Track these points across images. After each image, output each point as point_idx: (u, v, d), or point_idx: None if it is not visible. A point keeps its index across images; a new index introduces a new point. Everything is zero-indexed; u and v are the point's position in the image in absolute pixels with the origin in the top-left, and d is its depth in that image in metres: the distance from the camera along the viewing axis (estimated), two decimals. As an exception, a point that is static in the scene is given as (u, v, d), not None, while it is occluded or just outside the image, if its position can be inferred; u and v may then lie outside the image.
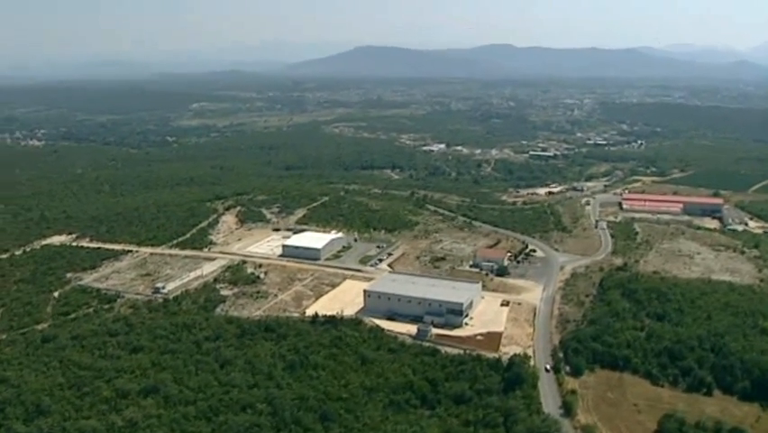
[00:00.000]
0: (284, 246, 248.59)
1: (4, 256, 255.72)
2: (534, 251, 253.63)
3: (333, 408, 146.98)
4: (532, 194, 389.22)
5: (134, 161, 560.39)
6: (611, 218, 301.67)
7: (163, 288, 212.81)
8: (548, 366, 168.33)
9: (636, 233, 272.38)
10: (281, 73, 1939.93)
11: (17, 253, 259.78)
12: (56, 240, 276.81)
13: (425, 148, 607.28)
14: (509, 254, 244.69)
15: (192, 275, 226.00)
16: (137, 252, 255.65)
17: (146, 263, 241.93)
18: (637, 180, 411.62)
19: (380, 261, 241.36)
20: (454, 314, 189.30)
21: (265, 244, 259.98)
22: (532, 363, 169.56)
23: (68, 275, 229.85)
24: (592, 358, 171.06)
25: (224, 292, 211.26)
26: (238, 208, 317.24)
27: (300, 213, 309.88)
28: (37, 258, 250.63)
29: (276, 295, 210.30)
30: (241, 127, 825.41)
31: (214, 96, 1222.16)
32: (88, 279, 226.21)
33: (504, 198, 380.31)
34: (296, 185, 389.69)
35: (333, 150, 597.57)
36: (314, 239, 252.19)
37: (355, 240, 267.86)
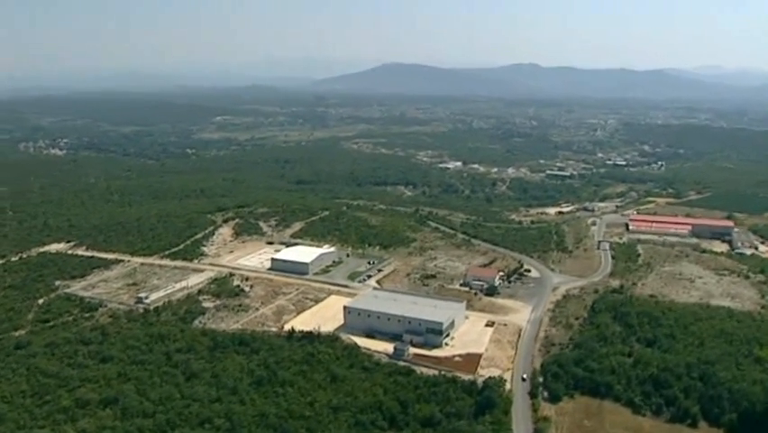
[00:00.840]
0: (273, 260, 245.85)
1: (1, 262, 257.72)
2: (529, 271, 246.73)
3: (294, 426, 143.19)
4: (541, 213, 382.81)
5: (149, 171, 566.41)
6: (616, 239, 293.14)
7: (146, 298, 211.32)
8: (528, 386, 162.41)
9: (638, 255, 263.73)
10: (307, 89, 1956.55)
11: (13, 259, 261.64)
12: (53, 248, 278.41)
13: (440, 165, 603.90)
14: (501, 274, 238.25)
15: (177, 286, 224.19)
16: (128, 261, 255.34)
17: (135, 273, 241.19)
18: (651, 201, 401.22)
19: (369, 277, 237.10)
20: (434, 333, 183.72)
21: (256, 257, 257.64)
22: (508, 386, 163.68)
23: (57, 283, 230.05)
24: (573, 384, 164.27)
25: (205, 304, 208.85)
26: (236, 221, 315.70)
27: (297, 227, 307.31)
28: (31, 265, 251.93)
29: (257, 309, 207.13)
30: (261, 141, 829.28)
31: (238, 110, 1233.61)
32: (75, 287, 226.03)
33: (513, 216, 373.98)
34: (299, 199, 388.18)
35: (348, 165, 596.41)
36: (303, 253, 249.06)
37: (347, 255, 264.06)
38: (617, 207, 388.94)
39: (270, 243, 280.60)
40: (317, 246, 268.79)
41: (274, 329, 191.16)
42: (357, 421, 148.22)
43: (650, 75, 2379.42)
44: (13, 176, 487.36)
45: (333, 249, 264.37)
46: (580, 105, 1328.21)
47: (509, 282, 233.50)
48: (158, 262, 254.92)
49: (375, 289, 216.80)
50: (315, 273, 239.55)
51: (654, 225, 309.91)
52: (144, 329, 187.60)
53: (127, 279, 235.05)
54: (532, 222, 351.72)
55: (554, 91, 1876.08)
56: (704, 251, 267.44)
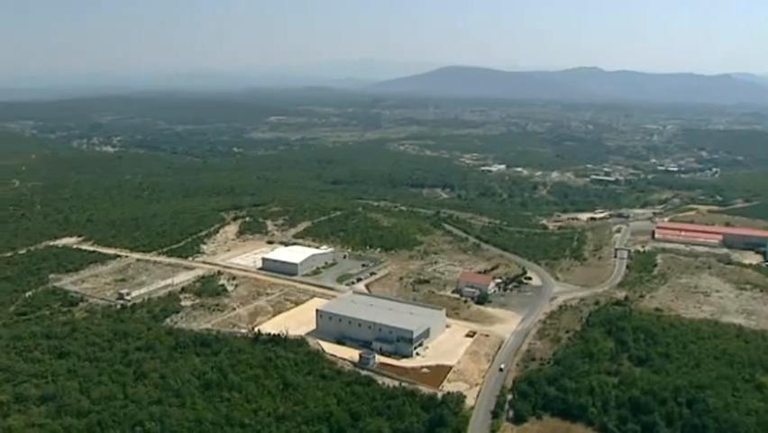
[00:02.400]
0: (264, 259, 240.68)
1: (9, 254, 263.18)
2: (530, 278, 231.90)
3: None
4: (573, 219, 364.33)
5: (189, 169, 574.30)
6: (638, 247, 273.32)
7: (127, 294, 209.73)
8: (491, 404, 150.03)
9: (655, 264, 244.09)
10: (365, 91, 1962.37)
11: (21, 251, 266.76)
12: (63, 242, 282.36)
13: (483, 168, 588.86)
14: (499, 281, 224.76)
15: (162, 283, 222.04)
16: (126, 257, 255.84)
17: (127, 269, 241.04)
18: (692, 209, 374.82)
19: (359, 280, 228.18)
20: (404, 342, 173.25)
21: (251, 256, 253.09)
22: (471, 403, 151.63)
23: (51, 276, 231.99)
24: (542, 404, 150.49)
25: (184, 303, 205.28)
26: (244, 219, 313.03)
27: (303, 226, 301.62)
28: (34, 258, 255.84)
29: (234, 309, 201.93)
30: (310, 141, 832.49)
31: (293, 110, 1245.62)
32: (65, 281, 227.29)
33: (543, 221, 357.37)
34: (320, 199, 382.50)
35: (388, 167, 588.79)
36: (294, 254, 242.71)
37: (344, 257, 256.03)
38: (653, 213, 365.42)
39: (271, 242, 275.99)
40: (315, 247, 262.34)
41: (243, 331, 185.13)
42: (300, 432, 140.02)
43: (718, 80, 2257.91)
44: (56, 171, 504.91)
45: (330, 250, 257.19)
46: (641, 109, 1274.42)
47: (505, 290, 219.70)
48: (154, 258, 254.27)
49: (355, 293, 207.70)
50: (305, 274, 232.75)
51: (683, 233, 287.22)
52: (113, 326, 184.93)
53: (118, 274, 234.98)
54: (559, 228, 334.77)
55: (616, 95, 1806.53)
56: (730, 262, 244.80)
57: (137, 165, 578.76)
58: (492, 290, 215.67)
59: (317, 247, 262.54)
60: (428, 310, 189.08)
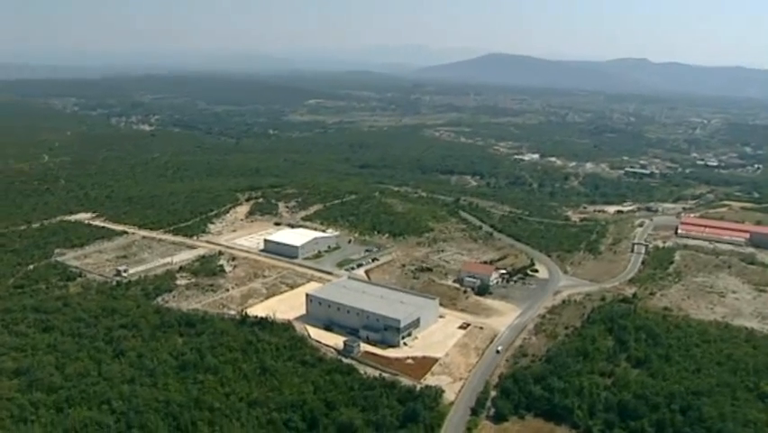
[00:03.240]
0: (265, 241, 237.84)
1: (23, 227, 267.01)
2: (536, 270, 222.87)
3: (195, 417, 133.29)
4: (599, 211, 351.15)
5: (219, 149, 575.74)
6: (658, 243, 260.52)
7: (124, 271, 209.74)
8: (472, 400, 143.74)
9: (672, 261, 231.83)
10: (408, 76, 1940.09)
11: (35, 225, 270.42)
12: (77, 217, 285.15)
13: (516, 157, 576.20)
14: (503, 272, 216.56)
15: (161, 262, 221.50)
16: (133, 234, 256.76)
17: (131, 246, 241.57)
18: (725, 205, 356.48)
19: (359, 266, 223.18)
20: (392, 331, 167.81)
21: (256, 238, 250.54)
22: (451, 397, 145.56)
23: (56, 250, 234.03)
24: (526, 403, 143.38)
25: (179, 282, 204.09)
26: (257, 200, 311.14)
27: (314, 209, 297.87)
28: (45, 232, 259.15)
29: (228, 290, 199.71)
30: (347, 125, 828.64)
31: (333, 93, 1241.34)
32: (68, 256, 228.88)
33: (568, 213, 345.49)
34: (339, 182, 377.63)
35: (419, 152, 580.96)
36: (296, 236, 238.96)
37: (349, 242, 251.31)
38: (683, 208, 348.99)
39: (278, 224, 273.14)
40: (321, 230, 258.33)
41: (232, 312, 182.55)
42: (270, 420, 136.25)
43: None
44: (87, 148, 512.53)
45: (334, 234, 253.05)
46: (687, 102, 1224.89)
47: (507, 282, 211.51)
48: (159, 236, 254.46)
49: (350, 278, 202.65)
50: (306, 258, 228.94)
51: (707, 229, 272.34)
52: (103, 302, 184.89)
53: (121, 251, 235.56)
54: (582, 220, 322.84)
55: (662, 87, 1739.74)
56: (753, 262, 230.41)
57: (168, 144, 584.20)
58: (494, 281, 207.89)
59: (323, 231, 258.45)
60: (420, 299, 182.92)
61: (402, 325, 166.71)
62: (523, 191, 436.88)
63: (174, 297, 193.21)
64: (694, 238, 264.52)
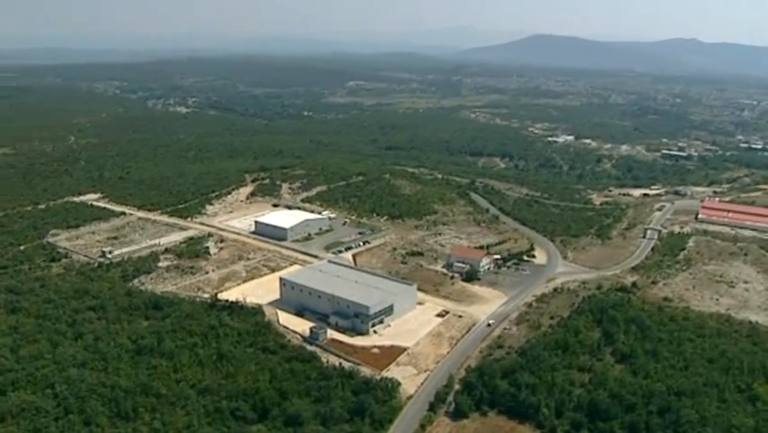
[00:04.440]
0: (256, 223, 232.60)
1: (28, 208, 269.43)
2: (533, 256, 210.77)
3: (138, 403, 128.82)
4: (624, 194, 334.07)
5: (247, 131, 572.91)
6: (676, 228, 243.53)
7: (110, 252, 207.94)
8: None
9: (683, 248, 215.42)
10: (453, 58, 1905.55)
11: (41, 206, 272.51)
12: (83, 198, 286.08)
13: (550, 139, 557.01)
14: (497, 257, 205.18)
15: (149, 243, 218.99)
16: (131, 215, 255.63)
17: (125, 227, 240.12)
18: (761, 189, 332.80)
19: (348, 249, 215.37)
20: (361, 318, 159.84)
21: (250, 219, 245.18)
22: (412, 390, 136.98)
23: (52, 231, 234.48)
24: (490, 399, 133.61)
25: (161, 264, 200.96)
26: (263, 181, 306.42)
27: (316, 190, 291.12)
28: (47, 213, 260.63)
29: (207, 272, 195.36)
30: (384, 107, 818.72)
31: (374, 75, 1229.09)
32: (62, 236, 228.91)
33: (593, 196, 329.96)
34: (353, 164, 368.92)
35: (450, 134, 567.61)
36: (287, 218, 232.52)
37: (344, 224, 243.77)
38: (713, 192, 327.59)
39: (276, 205, 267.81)
40: (318, 212, 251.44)
41: (206, 295, 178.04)
42: (217, 408, 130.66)
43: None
44: (116, 129, 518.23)
45: (331, 215, 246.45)
46: (738, 83, 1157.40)
47: (499, 268, 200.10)
48: (156, 217, 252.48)
49: (330, 262, 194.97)
50: (295, 240, 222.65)
51: (731, 214, 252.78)
52: (79, 284, 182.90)
53: (113, 232, 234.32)
54: (603, 203, 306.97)
55: (713, 69, 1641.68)
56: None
57: (198, 126, 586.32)
58: (485, 267, 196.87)
59: (320, 213, 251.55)
60: (397, 285, 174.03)
61: (371, 312, 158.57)
62: (551, 174, 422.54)
63: (152, 279, 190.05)
64: (715, 224, 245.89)
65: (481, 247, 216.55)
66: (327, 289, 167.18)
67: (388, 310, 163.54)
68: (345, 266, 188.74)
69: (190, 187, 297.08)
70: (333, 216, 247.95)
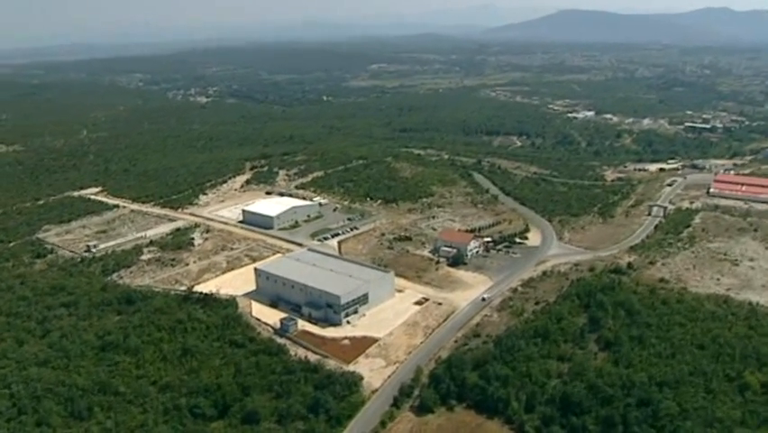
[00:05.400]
0: (243, 212, 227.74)
1: (27, 204, 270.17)
2: (526, 238, 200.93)
3: (95, 402, 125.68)
4: (640, 169, 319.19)
5: (260, 118, 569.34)
6: (685, 204, 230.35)
7: (94, 247, 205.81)
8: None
9: (688, 225, 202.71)
10: (476, 37, 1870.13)
11: (40, 201, 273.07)
12: (82, 192, 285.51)
13: (570, 115, 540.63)
14: (488, 240, 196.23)
15: (135, 236, 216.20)
16: (124, 207, 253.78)
17: (115, 220, 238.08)
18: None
19: (334, 236, 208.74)
20: (333, 308, 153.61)
21: (240, 208, 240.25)
22: (377, 384, 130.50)
23: (44, 227, 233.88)
24: (458, 393, 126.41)
25: (144, 257, 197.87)
26: (261, 168, 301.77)
27: (312, 176, 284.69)
28: (44, 208, 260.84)
29: (188, 264, 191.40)
30: (405, 89, 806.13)
31: (396, 57, 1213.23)
32: (52, 232, 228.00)
33: (608, 172, 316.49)
34: (358, 148, 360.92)
35: (467, 114, 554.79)
36: (274, 206, 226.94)
37: (334, 210, 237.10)
38: (733, 165, 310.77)
39: (269, 193, 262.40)
40: (309, 199, 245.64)
41: (182, 288, 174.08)
42: (176, 406, 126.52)
43: None
44: (130, 122, 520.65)
45: (323, 201, 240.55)
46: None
47: (488, 251, 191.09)
48: (148, 209, 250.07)
49: (310, 250, 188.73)
50: (282, 228, 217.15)
51: (744, 188, 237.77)
52: (57, 279, 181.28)
53: (103, 226, 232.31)
54: (615, 180, 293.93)
55: (745, 38, 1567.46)
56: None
57: (214, 115, 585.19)
58: (473, 251, 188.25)
59: (311, 199, 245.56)
60: (373, 273, 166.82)
61: (343, 301, 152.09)
62: (567, 150, 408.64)
63: (131, 272, 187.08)
64: (727, 198, 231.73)
65: (473, 230, 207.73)
66: (300, 278, 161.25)
67: (363, 299, 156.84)
68: (324, 254, 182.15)
69: (188, 177, 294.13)
70: (324, 201, 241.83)
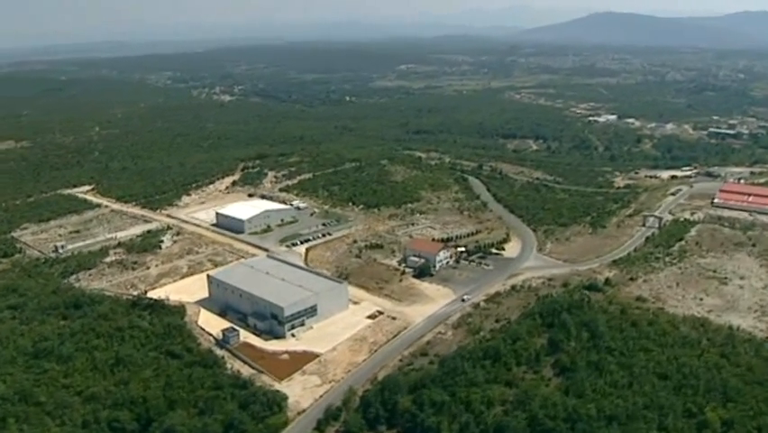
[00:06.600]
0: (217, 214, 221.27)
1: (17, 202, 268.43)
2: (503, 249, 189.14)
3: (11, 412, 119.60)
4: (652, 176, 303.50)
5: (275, 117, 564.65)
6: (686, 214, 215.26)
7: (62, 248, 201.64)
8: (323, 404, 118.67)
9: (681, 238, 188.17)
10: (508, 39, 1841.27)
11: (30, 199, 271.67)
12: (72, 191, 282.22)
13: (591, 118, 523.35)
14: (461, 251, 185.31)
15: (105, 237, 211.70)
16: (105, 207, 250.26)
17: (92, 220, 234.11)
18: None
19: (303, 242, 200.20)
20: (278, 320, 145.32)
21: (217, 211, 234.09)
22: (306, 405, 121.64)
23: (23, 225, 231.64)
24: (388, 418, 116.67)
25: (107, 259, 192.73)
26: (251, 169, 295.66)
27: (299, 178, 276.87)
28: (31, 205, 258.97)
29: (148, 268, 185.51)
30: (431, 90, 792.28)
31: (426, 58, 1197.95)
32: (28, 231, 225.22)
33: (617, 179, 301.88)
34: (358, 150, 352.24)
35: (485, 116, 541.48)
36: (246, 209, 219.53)
37: (311, 214, 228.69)
38: (751, 173, 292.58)
39: (251, 195, 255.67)
40: (288, 202, 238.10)
41: (135, 293, 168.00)
42: (96, 419, 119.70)
43: None
44: (145, 120, 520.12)
45: (302, 205, 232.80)
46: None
47: (458, 262, 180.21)
48: (128, 209, 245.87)
49: (269, 257, 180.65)
50: (253, 232, 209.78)
51: (751, 198, 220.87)
52: (13, 281, 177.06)
53: (79, 226, 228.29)
54: (625, 186, 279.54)
55: None
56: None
57: (232, 113, 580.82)
58: (443, 262, 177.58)
59: (290, 202, 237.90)
60: (326, 283, 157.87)
61: (287, 313, 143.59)
62: (582, 155, 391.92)
63: (90, 275, 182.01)
64: (732, 209, 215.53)
65: (450, 238, 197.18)
66: (248, 287, 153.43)
67: (311, 311, 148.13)
68: (282, 262, 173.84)
69: (178, 177, 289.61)
70: (303, 205, 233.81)
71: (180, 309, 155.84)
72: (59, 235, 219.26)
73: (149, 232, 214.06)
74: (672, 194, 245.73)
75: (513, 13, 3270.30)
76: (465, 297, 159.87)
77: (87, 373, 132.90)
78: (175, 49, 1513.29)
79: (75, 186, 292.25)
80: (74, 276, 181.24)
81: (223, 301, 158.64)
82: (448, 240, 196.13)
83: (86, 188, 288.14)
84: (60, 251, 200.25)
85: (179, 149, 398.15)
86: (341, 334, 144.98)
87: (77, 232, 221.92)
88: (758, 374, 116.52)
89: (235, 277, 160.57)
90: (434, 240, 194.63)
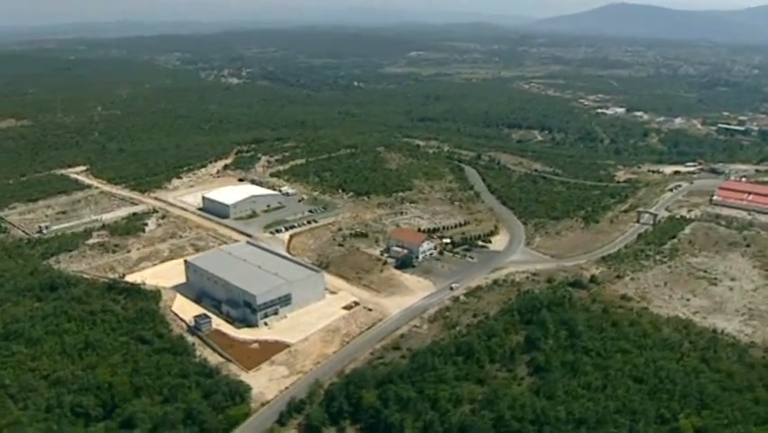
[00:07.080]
0: (203, 198, 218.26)
1: (10, 181, 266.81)
2: (489, 241, 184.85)
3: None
4: (654, 171, 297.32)
5: (280, 101, 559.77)
6: (683, 212, 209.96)
7: (45, 228, 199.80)
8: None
9: (674, 236, 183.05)
10: (522, 28, 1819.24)
11: (23, 178, 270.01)
12: (67, 171, 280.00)
13: (599, 111, 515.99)
14: (447, 242, 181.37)
15: (90, 219, 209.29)
16: (96, 188, 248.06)
17: (80, 201, 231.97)
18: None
19: (287, 229, 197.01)
20: (251, 308, 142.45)
21: (203, 195, 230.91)
22: (270, 397, 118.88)
23: (11, 205, 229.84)
24: (352, 413, 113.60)
25: (90, 241, 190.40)
26: (244, 154, 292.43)
27: (291, 164, 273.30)
28: (23, 185, 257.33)
29: (129, 251, 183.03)
30: (440, 78, 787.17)
31: (437, 45, 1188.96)
32: (16, 210, 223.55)
33: (619, 173, 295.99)
34: (358, 135, 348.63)
35: (491, 105, 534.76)
36: (232, 194, 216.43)
37: (299, 201, 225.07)
38: (756, 171, 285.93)
39: (242, 179, 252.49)
40: (277, 188, 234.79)
41: (113, 276, 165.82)
42: (60, 403, 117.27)
43: None
44: (149, 101, 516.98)
45: (291, 191, 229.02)
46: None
47: (442, 253, 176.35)
48: (117, 191, 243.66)
49: (249, 243, 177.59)
50: (239, 217, 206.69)
51: (750, 196, 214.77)
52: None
53: (66, 207, 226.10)
54: (626, 181, 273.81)
55: None
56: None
57: (237, 96, 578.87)
58: (426, 253, 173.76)
59: (279, 188, 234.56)
60: (302, 272, 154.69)
61: (260, 301, 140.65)
62: (586, 147, 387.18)
63: (71, 257, 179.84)
64: (730, 207, 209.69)
65: (436, 229, 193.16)
66: (223, 274, 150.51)
67: (285, 300, 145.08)
68: (260, 248, 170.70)
69: (171, 159, 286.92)
70: (291, 191, 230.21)
71: (156, 294, 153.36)
72: (46, 216, 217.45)
73: (134, 215, 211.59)
74: (671, 190, 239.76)
75: (527, 2, 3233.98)
76: (454, 285, 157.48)
77: (56, 357, 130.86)
78: (188, 30, 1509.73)
79: (70, 166, 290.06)
80: (54, 258, 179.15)
81: (199, 287, 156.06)
82: (435, 230, 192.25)
83: (81, 168, 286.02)
84: (44, 232, 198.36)
85: (179, 131, 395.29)
86: (314, 324, 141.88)
87: (64, 213, 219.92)
88: (738, 381, 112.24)
89: (212, 263, 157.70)
90: (419, 230, 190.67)
